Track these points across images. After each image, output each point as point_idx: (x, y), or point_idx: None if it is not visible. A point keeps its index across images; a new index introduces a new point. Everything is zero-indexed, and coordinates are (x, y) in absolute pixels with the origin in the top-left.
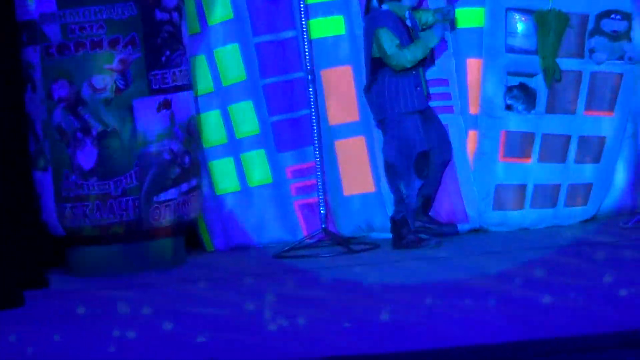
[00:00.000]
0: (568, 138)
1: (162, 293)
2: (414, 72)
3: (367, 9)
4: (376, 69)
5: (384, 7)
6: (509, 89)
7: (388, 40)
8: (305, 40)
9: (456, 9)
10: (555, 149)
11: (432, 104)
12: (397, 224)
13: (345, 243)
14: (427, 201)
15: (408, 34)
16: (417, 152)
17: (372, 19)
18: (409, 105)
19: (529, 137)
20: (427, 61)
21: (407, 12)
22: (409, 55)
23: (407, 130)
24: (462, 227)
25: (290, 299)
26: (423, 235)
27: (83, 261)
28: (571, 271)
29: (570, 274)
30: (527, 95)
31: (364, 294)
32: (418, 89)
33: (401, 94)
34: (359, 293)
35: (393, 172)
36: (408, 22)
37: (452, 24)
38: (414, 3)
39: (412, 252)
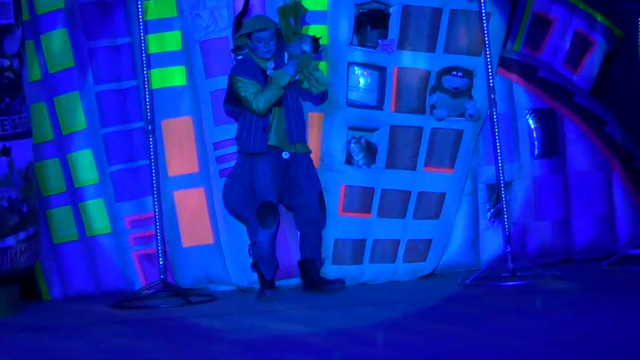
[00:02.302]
0: (408, 194)
1: None
2: (256, 115)
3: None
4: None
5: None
6: (350, 143)
7: (242, 88)
8: (146, 90)
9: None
10: (394, 205)
11: None
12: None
13: (183, 294)
14: (305, 263)
15: (264, 81)
16: (262, 200)
17: (232, 66)
18: (251, 146)
19: (368, 192)
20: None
21: (269, 63)
22: (261, 99)
23: (247, 176)
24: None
25: (126, 350)
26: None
27: None
28: (406, 329)
29: (404, 332)
30: (367, 150)
31: (197, 346)
32: (264, 132)
33: (251, 135)
34: (193, 345)
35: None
36: (269, 71)
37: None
38: (266, 56)
39: (251, 305)
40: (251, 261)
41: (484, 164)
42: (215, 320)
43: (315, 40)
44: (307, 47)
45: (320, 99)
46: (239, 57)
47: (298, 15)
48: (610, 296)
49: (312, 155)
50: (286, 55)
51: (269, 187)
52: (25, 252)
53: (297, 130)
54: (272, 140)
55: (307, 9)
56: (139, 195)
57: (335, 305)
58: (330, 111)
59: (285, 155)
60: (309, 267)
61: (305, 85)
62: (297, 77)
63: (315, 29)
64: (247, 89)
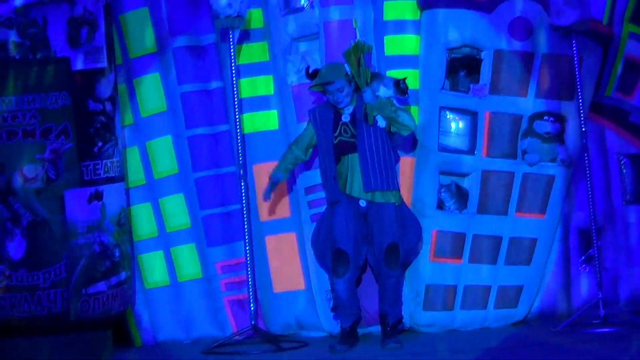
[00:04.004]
0: (499, 239)
1: None
2: (327, 163)
3: None
4: None
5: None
6: (440, 192)
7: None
8: (238, 134)
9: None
10: (486, 250)
11: None
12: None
13: (274, 341)
14: (382, 318)
15: (334, 128)
16: (335, 248)
17: None
18: (327, 195)
19: (460, 238)
20: (359, 149)
21: (347, 109)
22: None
23: (329, 223)
24: None
25: None
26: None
27: (9, 353)
28: None
29: None
30: (458, 194)
31: None
32: (335, 181)
33: (326, 183)
34: None
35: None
36: (345, 117)
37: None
38: (337, 107)
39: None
40: (331, 306)
41: (576, 209)
42: None
43: (398, 82)
44: (390, 90)
45: (410, 145)
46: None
47: (359, 56)
48: None
49: (405, 198)
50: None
51: (345, 236)
52: (117, 297)
53: (376, 178)
54: (349, 188)
55: (370, 47)
56: (230, 240)
57: (426, 351)
58: (422, 156)
59: (362, 203)
60: (382, 321)
61: (393, 128)
62: (382, 124)
63: (407, 73)
64: (293, 144)
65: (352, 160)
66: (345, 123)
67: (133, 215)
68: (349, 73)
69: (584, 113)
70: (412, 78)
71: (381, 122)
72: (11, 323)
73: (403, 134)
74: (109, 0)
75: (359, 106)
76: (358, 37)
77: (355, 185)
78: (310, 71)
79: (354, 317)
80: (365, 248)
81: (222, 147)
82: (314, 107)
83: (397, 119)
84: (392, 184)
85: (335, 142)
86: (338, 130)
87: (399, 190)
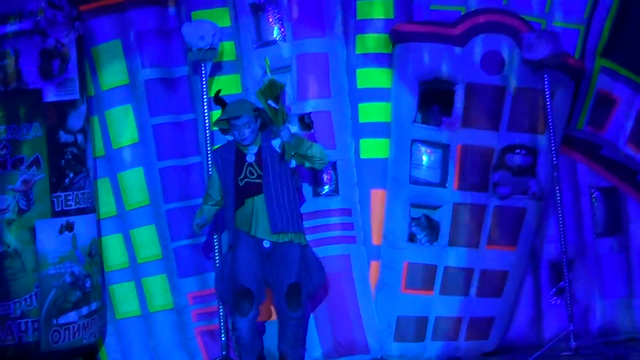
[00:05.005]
0: (470, 271)
1: None
2: (229, 205)
3: None
4: None
5: (229, 137)
6: (411, 226)
7: (208, 182)
8: (210, 166)
9: (361, 140)
10: (457, 282)
11: (335, 233)
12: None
13: None
14: (280, 356)
15: (237, 170)
16: (239, 286)
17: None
18: (228, 237)
19: (431, 270)
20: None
21: (250, 148)
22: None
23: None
24: (363, 357)
25: None
26: None
27: None
28: None
29: None
30: (430, 227)
31: None
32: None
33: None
34: None
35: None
36: (249, 158)
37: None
38: (242, 143)
39: None
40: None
41: (547, 241)
42: None
43: (302, 117)
44: (295, 126)
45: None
46: (229, 139)
47: (276, 94)
48: None
49: (376, 231)
50: (278, 139)
51: (248, 274)
52: (88, 327)
53: (282, 220)
54: (254, 230)
55: (283, 85)
56: (201, 271)
57: None
58: (393, 188)
59: (266, 244)
60: None
61: (307, 164)
62: (293, 164)
63: (379, 106)
64: (207, 189)
65: (257, 202)
66: (250, 164)
67: (104, 246)
68: (257, 110)
69: (556, 146)
70: (384, 111)
71: (292, 162)
72: None
73: (318, 167)
74: (81, 32)
75: (264, 147)
76: (269, 75)
77: (260, 226)
78: (219, 95)
79: (257, 354)
80: (264, 288)
81: (194, 179)
82: (216, 150)
83: (314, 155)
84: (297, 225)
85: (242, 184)
86: (243, 173)
87: (304, 233)
